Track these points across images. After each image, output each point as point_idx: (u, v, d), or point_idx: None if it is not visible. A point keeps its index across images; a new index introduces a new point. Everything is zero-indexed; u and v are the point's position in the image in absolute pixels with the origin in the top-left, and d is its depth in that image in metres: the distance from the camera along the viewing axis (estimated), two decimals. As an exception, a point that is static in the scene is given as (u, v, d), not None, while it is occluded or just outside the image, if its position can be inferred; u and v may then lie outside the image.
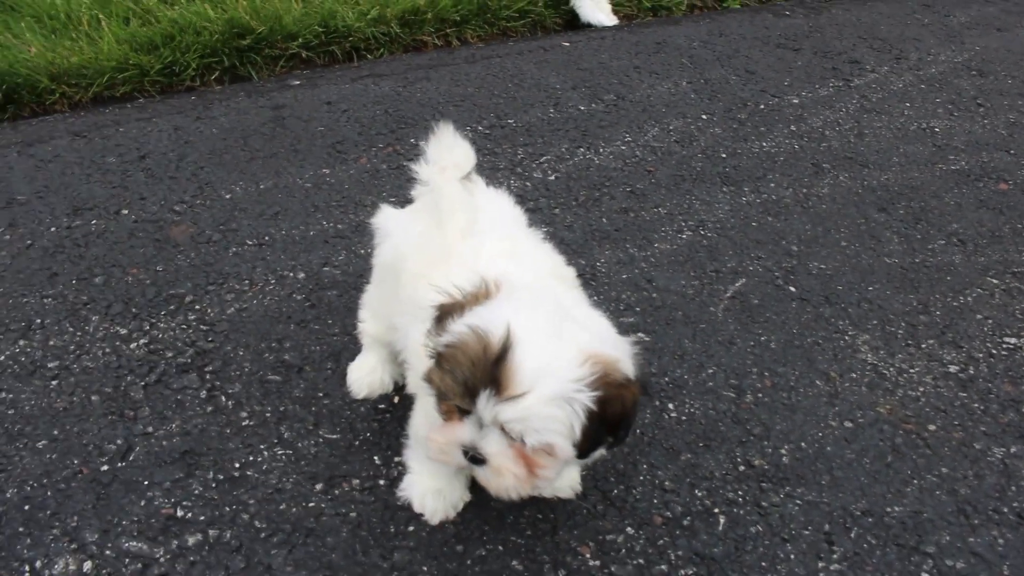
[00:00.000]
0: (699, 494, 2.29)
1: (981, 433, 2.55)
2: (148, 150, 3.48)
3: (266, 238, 3.04)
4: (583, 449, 1.70)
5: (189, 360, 2.56)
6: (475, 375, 1.60)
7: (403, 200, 3.23)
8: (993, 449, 2.50)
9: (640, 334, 2.76)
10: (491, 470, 1.69)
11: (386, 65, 4.31)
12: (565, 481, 2.20)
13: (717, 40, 4.81)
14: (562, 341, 1.63)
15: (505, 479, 1.68)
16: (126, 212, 3.13)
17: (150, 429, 2.34)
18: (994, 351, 2.86)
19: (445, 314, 1.73)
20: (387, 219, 2.26)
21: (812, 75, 4.54)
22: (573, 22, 4.97)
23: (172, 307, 2.74)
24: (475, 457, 1.70)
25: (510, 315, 1.62)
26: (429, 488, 2.14)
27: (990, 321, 2.98)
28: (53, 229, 3.04)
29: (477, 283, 1.76)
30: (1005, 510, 2.33)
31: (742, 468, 2.37)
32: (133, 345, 2.60)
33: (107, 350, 2.58)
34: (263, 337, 2.65)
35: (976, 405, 2.64)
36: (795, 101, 4.27)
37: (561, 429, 1.61)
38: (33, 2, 4.24)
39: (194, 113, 3.75)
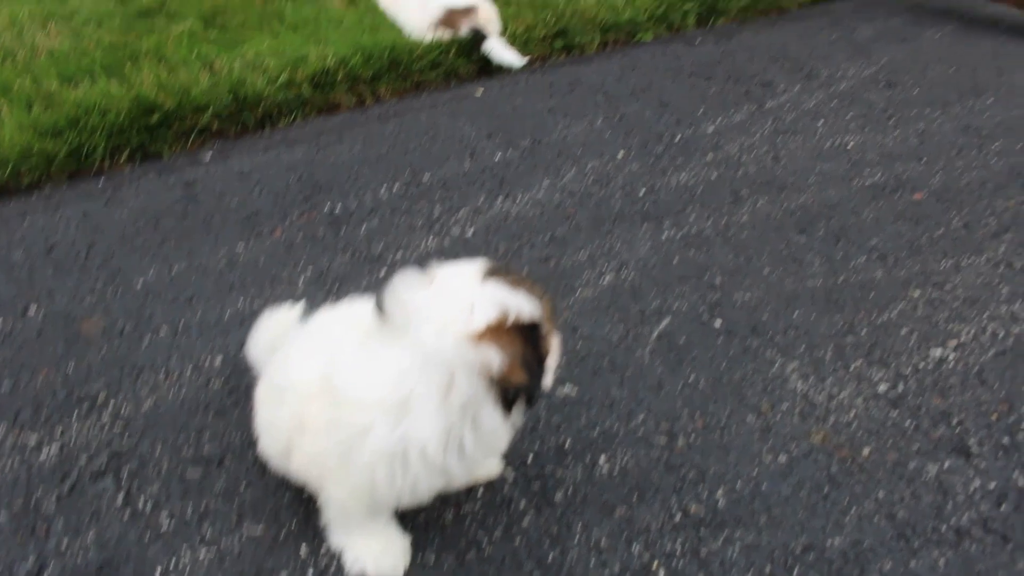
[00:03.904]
0: (636, 549, 2.24)
1: (914, 452, 2.55)
2: (56, 241, 3.39)
3: (180, 324, 2.95)
4: None
5: (104, 463, 2.46)
6: None
7: (318, 271, 3.19)
8: (928, 466, 2.50)
9: (568, 385, 2.73)
10: None
11: (298, 130, 4.26)
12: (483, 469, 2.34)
13: (630, 74, 4.85)
14: None
15: None
16: (34, 310, 3.03)
17: (64, 544, 2.24)
18: (920, 364, 2.87)
19: None
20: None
21: (726, 101, 4.59)
22: (487, 67, 4.97)
23: (85, 407, 2.64)
24: None
25: None
26: (374, 550, 2.12)
27: (915, 334, 3.00)
28: (-43, 336, 2.93)
29: None
30: (943, 528, 2.32)
31: (678, 517, 2.33)
32: (44, 454, 2.49)
33: (17, 462, 2.47)
34: (181, 430, 2.56)
35: (907, 423, 2.65)
36: (710, 129, 4.31)
37: None
38: (-72, 96, 4.13)
39: (103, 197, 3.66)
